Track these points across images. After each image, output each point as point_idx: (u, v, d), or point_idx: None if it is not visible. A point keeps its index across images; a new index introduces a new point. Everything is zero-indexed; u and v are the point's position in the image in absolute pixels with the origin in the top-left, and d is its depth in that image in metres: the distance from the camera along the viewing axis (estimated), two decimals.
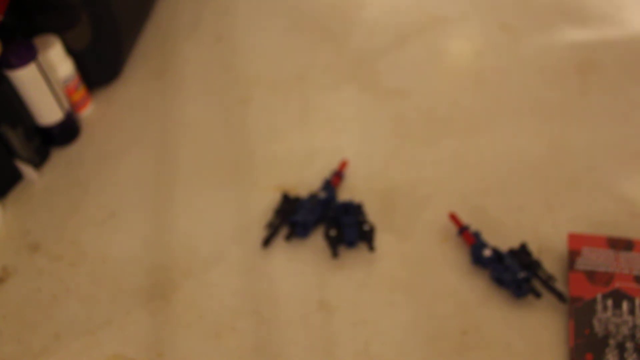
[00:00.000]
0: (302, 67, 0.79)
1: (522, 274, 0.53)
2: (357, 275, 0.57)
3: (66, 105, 0.71)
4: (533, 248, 0.57)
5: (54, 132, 0.70)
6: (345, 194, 0.64)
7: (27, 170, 0.68)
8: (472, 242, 0.57)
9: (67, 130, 0.72)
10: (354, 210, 0.60)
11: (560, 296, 0.53)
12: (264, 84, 0.77)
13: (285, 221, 0.61)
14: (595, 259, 0.54)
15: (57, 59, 0.69)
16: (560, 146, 0.66)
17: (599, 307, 0.51)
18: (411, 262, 0.58)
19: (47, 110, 0.68)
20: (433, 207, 0.62)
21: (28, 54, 0.64)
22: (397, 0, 0.87)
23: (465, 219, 0.60)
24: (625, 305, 0.51)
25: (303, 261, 0.59)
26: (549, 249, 0.57)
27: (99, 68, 0.77)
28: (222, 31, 0.86)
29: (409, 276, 0.57)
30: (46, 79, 0.66)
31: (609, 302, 0.51)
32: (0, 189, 0.67)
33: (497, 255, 0.55)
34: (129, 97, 0.78)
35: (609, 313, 0.51)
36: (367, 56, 0.79)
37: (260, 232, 0.61)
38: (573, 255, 0.55)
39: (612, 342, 0.49)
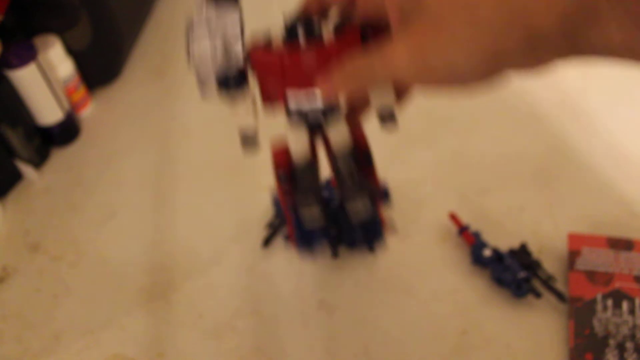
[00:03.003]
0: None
1: (522, 274, 0.53)
2: (357, 275, 0.57)
3: (66, 105, 0.71)
4: (533, 248, 0.57)
5: (54, 132, 0.70)
6: None
7: (27, 170, 0.68)
8: (472, 242, 0.57)
9: (67, 130, 0.72)
10: None
11: (560, 296, 0.53)
12: None
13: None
14: (595, 259, 0.54)
15: (57, 59, 0.69)
16: (560, 146, 0.66)
17: (599, 307, 0.51)
18: (411, 262, 0.58)
19: (47, 110, 0.68)
20: (433, 207, 0.62)
21: (28, 54, 0.64)
22: None
23: (465, 219, 0.60)
24: (625, 305, 0.51)
25: (303, 261, 0.59)
26: (549, 249, 0.57)
27: (99, 68, 0.77)
28: None
29: (409, 276, 0.57)
30: (46, 79, 0.66)
31: (609, 302, 0.51)
32: (0, 189, 0.67)
33: (497, 255, 0.55)
34: (129, 97, 0.78)
35: (609, 313, 0.51)
36: None
37: (260, 232, 0.61)
38: (573, 255, 0.55)
39: (612, 342, 0.49)
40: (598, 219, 0.59)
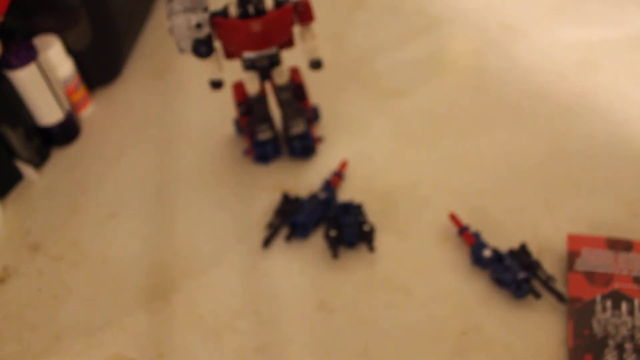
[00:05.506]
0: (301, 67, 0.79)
1: (521, 275, 0.53)
2: (357, 275, 0.57)
3: (66, 105, 0.71)
4: (533, 248, 0.57)
5: (54, 132, 0.70)
6: (345, 194, 0.64)
7: (27, 170, 0.68)
8: (472, 242, 0.57)
9: (67, 130, 0.72)
10: (354, 211, 0.60)
11: (559, 297, 0.53)
12: None
13: (285, 222, 0.61)
14: (594, 259, 0.54)
15: (57, 59, 0.69)
16: (560, 146, 0.66)
17: (598, 307, 0.51)
18: (411, 262, 0.58)
19: (47, 110, 0.68)
20: (433, 207, 0.62)
21: (28, 54, 0.64)
22: (396, 0, 0.87)
23: (465, 219, 0.60)
24: (624, 306, 0.51)
25: (303, 262, 0.59)
26: (548, 250, 0.57)
27: (99, 68, 0.77)
28: None
29: (409, 276, 0.57)
30: (46, 79, 0.66)
31: (608, 303, 0.51)
32: (0, 189, 0.67)
33: (497, 255, 0.55)
34: (129, 97, 0.78)
35: (608, 314, 0.51)
36: (367, 56, 0.79)
37: (260, 233, 0.61)
38: (572, 255, 0.55)
39: (611, 342, 0.49)
40: (598, 219, 0.59)
